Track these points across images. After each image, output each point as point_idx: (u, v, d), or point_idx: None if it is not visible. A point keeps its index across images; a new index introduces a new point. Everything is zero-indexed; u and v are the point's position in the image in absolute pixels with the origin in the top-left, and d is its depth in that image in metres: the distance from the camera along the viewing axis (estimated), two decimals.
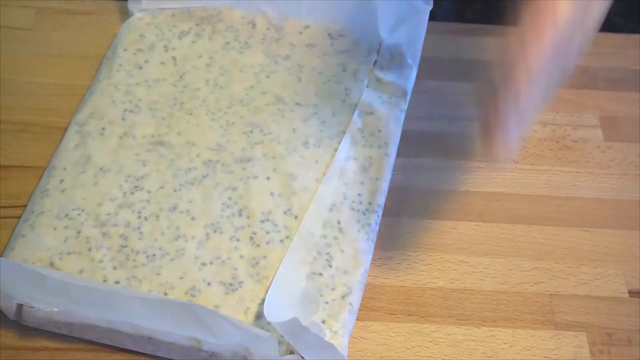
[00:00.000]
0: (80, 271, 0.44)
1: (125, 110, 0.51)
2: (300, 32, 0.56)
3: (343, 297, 0.44)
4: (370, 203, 0.48)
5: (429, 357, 0.45)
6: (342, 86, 0.53)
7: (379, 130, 0.51)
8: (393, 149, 0.51)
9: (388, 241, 0.49)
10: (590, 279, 0.48)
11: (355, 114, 0.51)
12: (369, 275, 0.47)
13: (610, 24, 0.63)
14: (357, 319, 0.45)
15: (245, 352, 0.41)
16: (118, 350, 0.44)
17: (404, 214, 0.50)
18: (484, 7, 0.65)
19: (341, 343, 0.42)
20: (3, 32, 0.58)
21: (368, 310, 0.46)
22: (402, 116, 0.52)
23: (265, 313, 0.40)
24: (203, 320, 0.40)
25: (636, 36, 0.61)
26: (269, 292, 0.42)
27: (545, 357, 0.45)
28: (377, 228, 0.48)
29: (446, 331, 0.45)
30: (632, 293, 0.47)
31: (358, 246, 0.46)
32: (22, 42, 0.57)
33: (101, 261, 0.45)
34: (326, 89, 0.53)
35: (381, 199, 0.48)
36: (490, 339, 0.45)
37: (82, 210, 0.47)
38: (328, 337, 0.42)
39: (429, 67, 0.57)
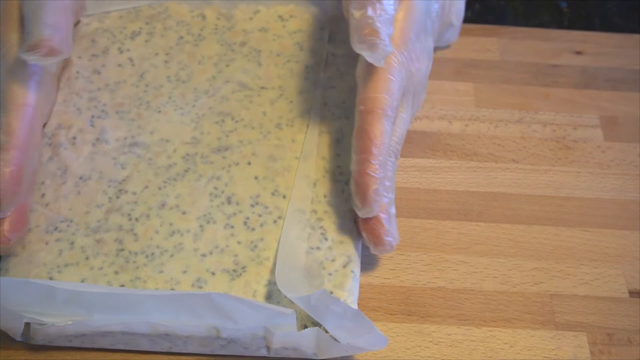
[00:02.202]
0: (82, 281, 0.44)
1: (93, 116, 0.51)
2: (250, 18, 0.56)
3: (344, 266, 0.45)
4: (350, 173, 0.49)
5: (429, 357, 0.44)
6: (302, 65, 0.54)
7: (343, 102, 0.52)
8: None
9: None
10: (590, 279, 0.48)
11: (318, 90, 0.52)
12: (369, 275, 0.47)
13: (610, 24, 0.64)
14: None
15: (265, 332, 0.42)
16: (118, 351, 0.44)
17: (404, 214, 0.50)
18: (484, 7, 0.65)
19: None
20: None
21: (368, 310, 0.46)
22: None
23: (283, 291, 0.41)
24: (222, 308, 0.41)
25: (636, 36, 0.61)
26: (276, 271, 0.43)
27: (545, 357, 0.45)
28: None
29: (446, 331, 0.45)
30: (632, 293, 0.47)
31: (348, 216, 0.47)
32: None
33: (101, 268, 0.44)
34: (287, 69, 0.53)
35: None
36: (490, 339, 0.45)
37: (71, 221, 0.46)
38: None
39: None
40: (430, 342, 0.45)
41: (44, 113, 0.48)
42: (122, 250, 0.45)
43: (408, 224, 0.50)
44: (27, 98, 0.45)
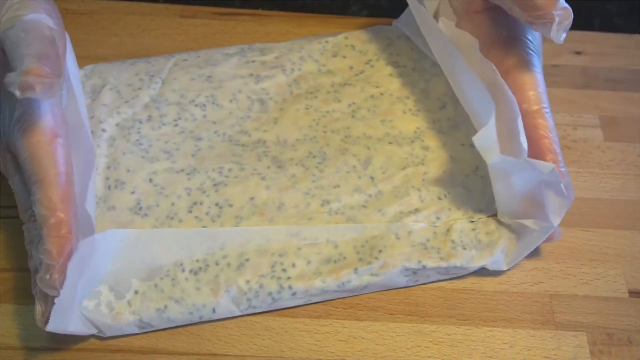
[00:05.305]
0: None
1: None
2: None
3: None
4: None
5: (429, 357, 0.45)
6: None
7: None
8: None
9: None
10: (590, 279, 0.48)
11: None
12: None
13: (610, 24, 0.64)
14: (357, 319, 0.45)
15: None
16: (119, 350, 0.44)
17: None
18: None
19: None
20: None
21: (368, 310, 0.46)
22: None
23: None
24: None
25: (636, 36, 0.61)
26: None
27: (545, 357, 0.45)
28: None
29: (446, 331, 0.46)
30: (632, 293, 0.48)
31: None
32: None
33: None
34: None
35: None
36: (490, 339, 0.45)
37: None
38: None
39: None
40: (430, 342, 0.45)
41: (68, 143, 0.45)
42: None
43: None
44: (58, 167, 0.43)
